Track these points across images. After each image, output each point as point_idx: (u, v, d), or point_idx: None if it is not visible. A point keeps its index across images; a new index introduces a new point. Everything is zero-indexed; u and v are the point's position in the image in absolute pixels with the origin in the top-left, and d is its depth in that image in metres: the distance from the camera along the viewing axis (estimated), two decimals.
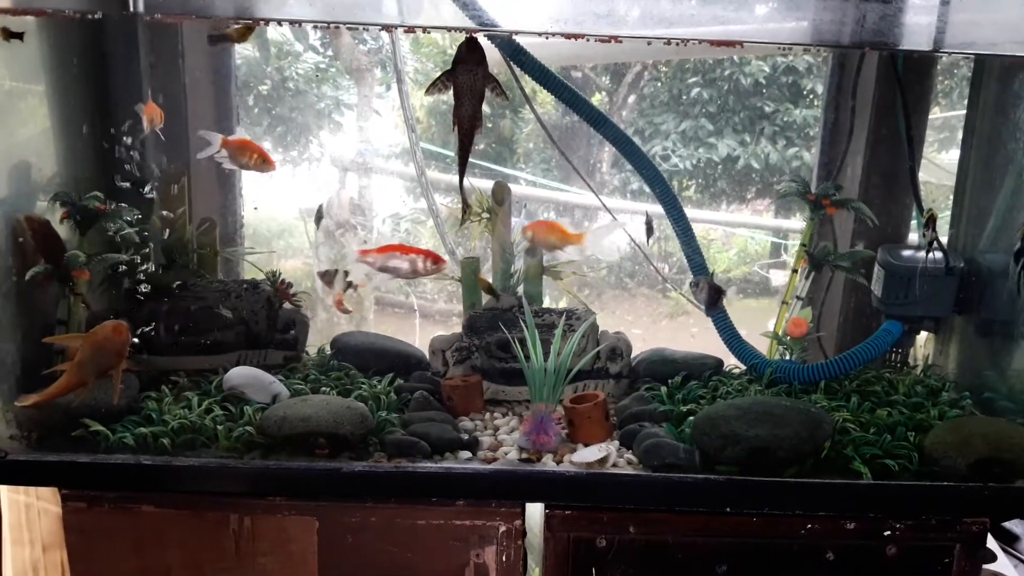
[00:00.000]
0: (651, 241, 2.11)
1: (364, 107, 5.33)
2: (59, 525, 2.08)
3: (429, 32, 1.93)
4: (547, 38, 1.83)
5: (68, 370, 1.70)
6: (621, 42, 1.85)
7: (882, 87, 2.28)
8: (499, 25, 1.86)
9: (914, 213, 2.29)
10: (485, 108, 1.88)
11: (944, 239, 2.22)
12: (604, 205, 2.60)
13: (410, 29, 1.95)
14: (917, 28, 1.96)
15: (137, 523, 1.79)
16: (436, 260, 2.02)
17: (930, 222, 1.98)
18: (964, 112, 2.28)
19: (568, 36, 1.82)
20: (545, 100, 4.52)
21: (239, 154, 2.02)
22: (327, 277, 2.12)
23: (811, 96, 5.56)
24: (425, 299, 5.17)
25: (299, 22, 1.92)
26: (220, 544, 1.79)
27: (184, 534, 1.80)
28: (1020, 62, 2.03)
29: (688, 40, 1.81)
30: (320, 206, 2.16)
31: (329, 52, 5.40)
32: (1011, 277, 1.92)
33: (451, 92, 1.84)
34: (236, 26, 1.84)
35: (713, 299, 2.04)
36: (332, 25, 1.90)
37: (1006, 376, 2.02)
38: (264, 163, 2.02)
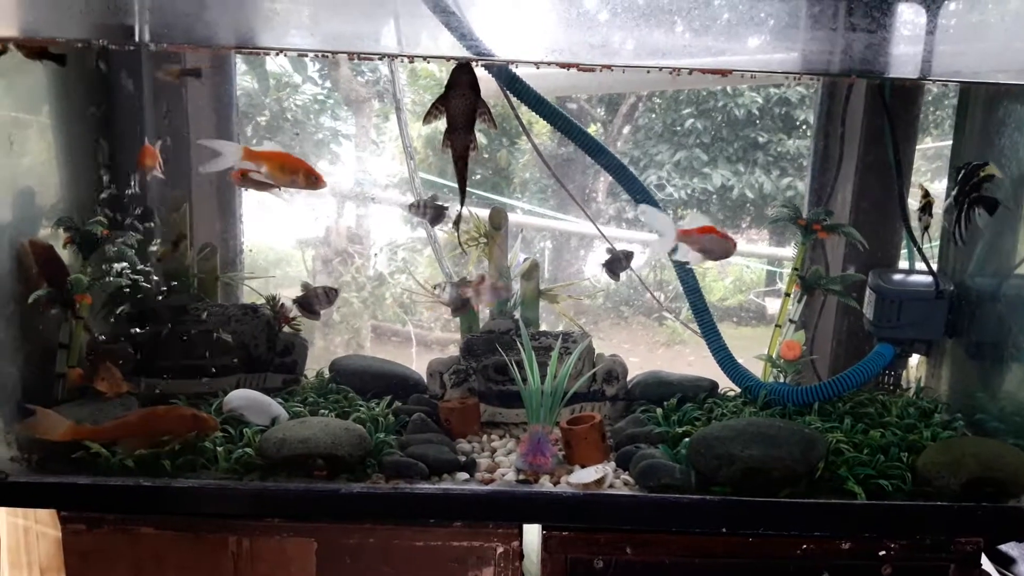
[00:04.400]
0: (621, 277, 2.13)
1: (362, 137, 5.39)
2: (57, 548, 2.09)
3: (429, 61, 1.97)
4: (549, 66, 1.87)
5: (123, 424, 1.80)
6: (609, 70, 1.89)
7: (870, 115, 2.33)
8: (496, 55, 1.90)
9: (903, 238, 2.32)
10: (481, 139, 1.92)
11: (934, 264, 2.25)
12: (601, 232, 2.63)
13: (411, 59, 1.99)
14: (904, 57, 2.01)
15: (136, 545, 1.80)
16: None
17: (927, 208, 2.01)
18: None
19: (563, 66, 1.87)
20: (541, 131, 4.58)
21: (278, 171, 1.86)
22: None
23: (804, 127, 5.63)
24: (422, 327, 5.19)
25: (301, 52, 1.96)
26: (219, 566, 1.80)
27: (183, 556, 1.81)
28: (1004, 89, 2.09)
29: (681, 68, 1.85)
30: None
31: (327, 84, 5.47)
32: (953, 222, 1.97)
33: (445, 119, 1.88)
34: None
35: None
36: (333, 55, 1.94)
37: (997, 398, 2.04)
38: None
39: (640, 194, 2.14)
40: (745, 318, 5.71)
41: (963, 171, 1.97)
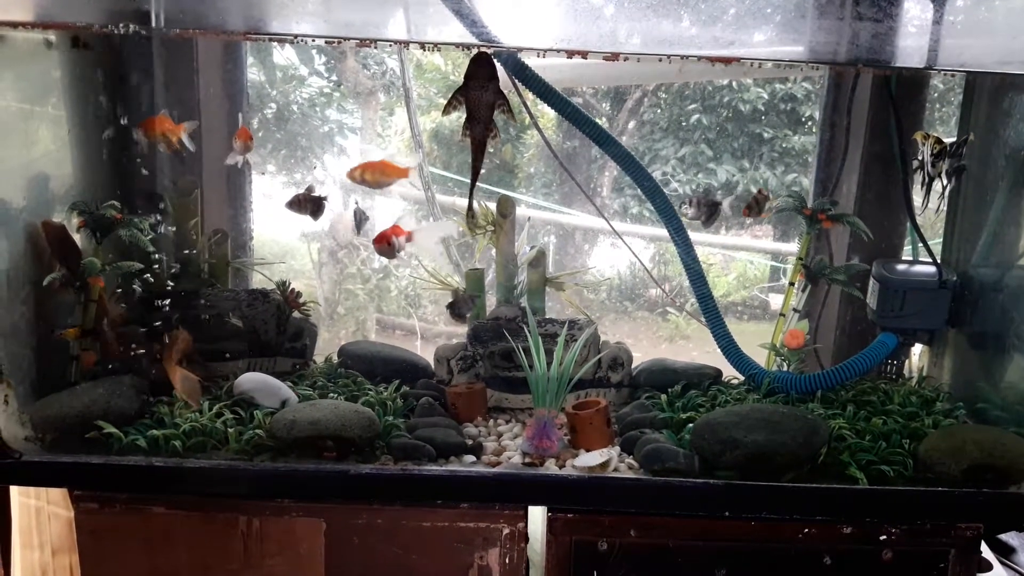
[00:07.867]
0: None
1: (368, 130, 5.41)
2: (69, 529, 2.11)
3: (440, 49, 1.99)
4: (558, 53, 1.88)
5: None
6: (619, 58, 1.90)
7: (876, 107, 2.35)
8: (504, 43, 1.92)
9: (908, 228, 2.34)
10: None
11: (937, 254, 2.27)
12: (609, 223, 2.65)
13: (424, 46, 2.01)
14: (911, 48, 2.02)
15: (148, 524, 1.82)
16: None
17: (941, 153, 2.02)
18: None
19: (571, 53, 1.88)
20: (545, 125, 4.60)
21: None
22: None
23: (809, 123, 5.63)
24: (426, 321, 5.21)
25: (311, 38, 1.98)
26: (229, 545, 1.83)
27: (194, 535, 1.83)
28: (1009, 81, 2.10)
29: (688, 56, 1.87)
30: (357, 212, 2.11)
31: (334, 77, 5.49)
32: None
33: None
34: None
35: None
36: (343, 41, 1.96)
37: (998, 387, 2.06)
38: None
39: (648, 184, 2.16)
40: (749, 311, 5.72)
41: (954, 145, 2.02)
